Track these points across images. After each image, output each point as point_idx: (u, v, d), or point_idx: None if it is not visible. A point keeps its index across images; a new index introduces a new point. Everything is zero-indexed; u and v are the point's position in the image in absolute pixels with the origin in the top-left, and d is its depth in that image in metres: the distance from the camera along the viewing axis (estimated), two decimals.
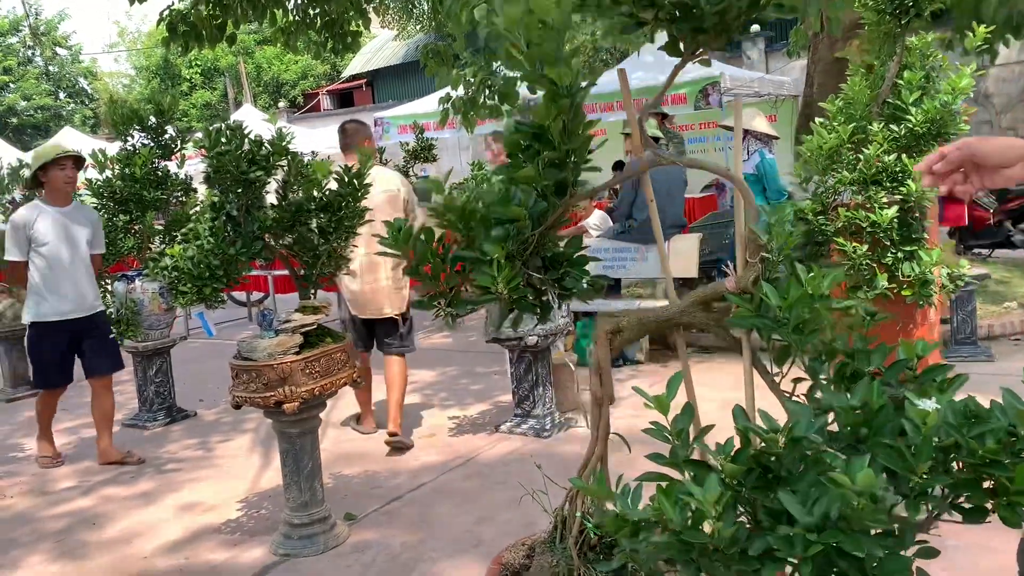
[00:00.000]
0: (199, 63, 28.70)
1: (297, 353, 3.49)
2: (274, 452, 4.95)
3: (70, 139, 19.70)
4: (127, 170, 5.60)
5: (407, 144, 9.50)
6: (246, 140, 3.25)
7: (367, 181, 3.54)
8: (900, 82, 3.08)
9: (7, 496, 4.72)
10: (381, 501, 4.17)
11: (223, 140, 3.23)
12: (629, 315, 1.56)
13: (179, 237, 3.36)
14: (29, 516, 4.40)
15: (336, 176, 3.38)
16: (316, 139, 16.09)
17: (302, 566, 3.56)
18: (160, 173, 5.74)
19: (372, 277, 4.90)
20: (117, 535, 4.06)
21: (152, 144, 5.73)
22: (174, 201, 5.93)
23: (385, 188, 4.86)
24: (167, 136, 5.79)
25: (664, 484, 1.23)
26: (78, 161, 5.02)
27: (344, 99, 27.00)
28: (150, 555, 3.80)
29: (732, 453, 1.18)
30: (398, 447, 4.85)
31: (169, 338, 5.97)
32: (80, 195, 9.87)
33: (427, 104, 13.38)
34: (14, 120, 30.90)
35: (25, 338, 5.26)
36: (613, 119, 12.24)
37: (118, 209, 5.70)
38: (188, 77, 29.10)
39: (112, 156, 5.69)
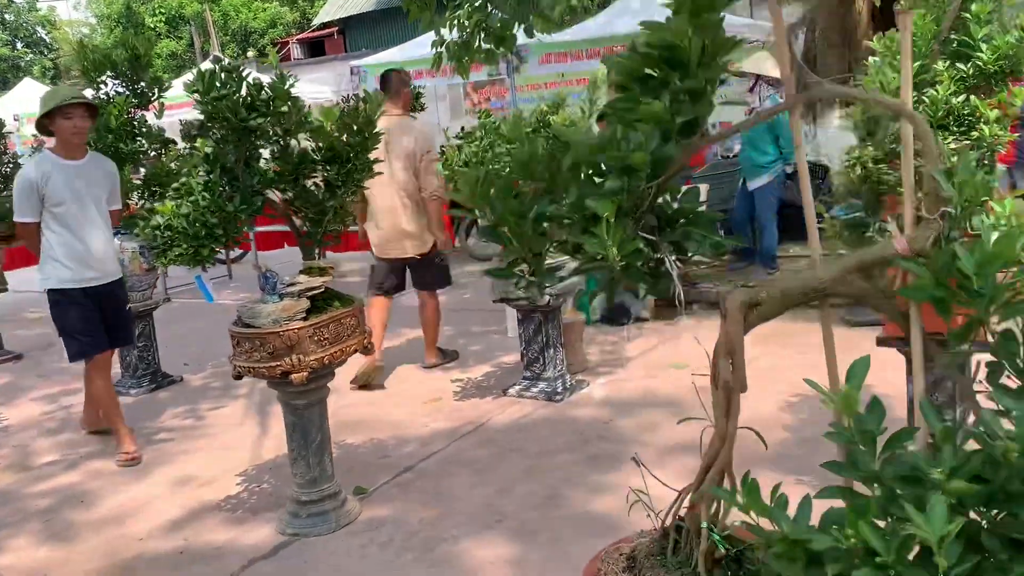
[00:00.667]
0: (163, 11, 27.68)
1: (304, 319, 3.21)
2: (271, 419, 4.69)
3: (30, 91, 18.92)
4: (100, 121, 5.19)
5: None
6: (244, 84, 2.92)
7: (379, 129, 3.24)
8: (967, 15, 2.83)
9: None
10: (392, 472, 3.93)
11: (218, 84, 2.90)
12: (768, 286, 1.30)
13: (170, 193, 3.03)
14: (12, 494, 4.11)
15: (345, 124, 3.06)
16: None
17: (314, 546, 3.32)
18: (137, 124, 5.35)
19: (392, 221, 5.17)
20: (108, 514, 3.79)
21: (127, 92, 5.33)
22: (152, 154, 5.55)
23: (406, 136, 5.08)
24: (143, 84, 5.38)
25: (849, 501, 0.98)
26: (90, 109, 4.35)
27: (315, 48, 26.20)
28: (146, 537, 3.54)
29: (955, 465, 0.93)
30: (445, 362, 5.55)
31: (152, 300, 5.63)
32: (40, 150, 9.41)
33: (410, 51, 12.91)
34: None
35: (49, 307, 4.47)
36: (600, 66, 11.82)
37: None
38: (152, 26, 28.05)
39: None
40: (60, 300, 4.34)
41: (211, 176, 3.02)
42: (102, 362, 4.51)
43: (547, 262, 1.40)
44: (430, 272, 5.37)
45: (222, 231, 2.99)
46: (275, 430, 4.49)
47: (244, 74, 2.92)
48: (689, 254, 1.25)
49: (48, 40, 33.50)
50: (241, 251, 9.23)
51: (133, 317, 4.84)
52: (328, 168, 3.12)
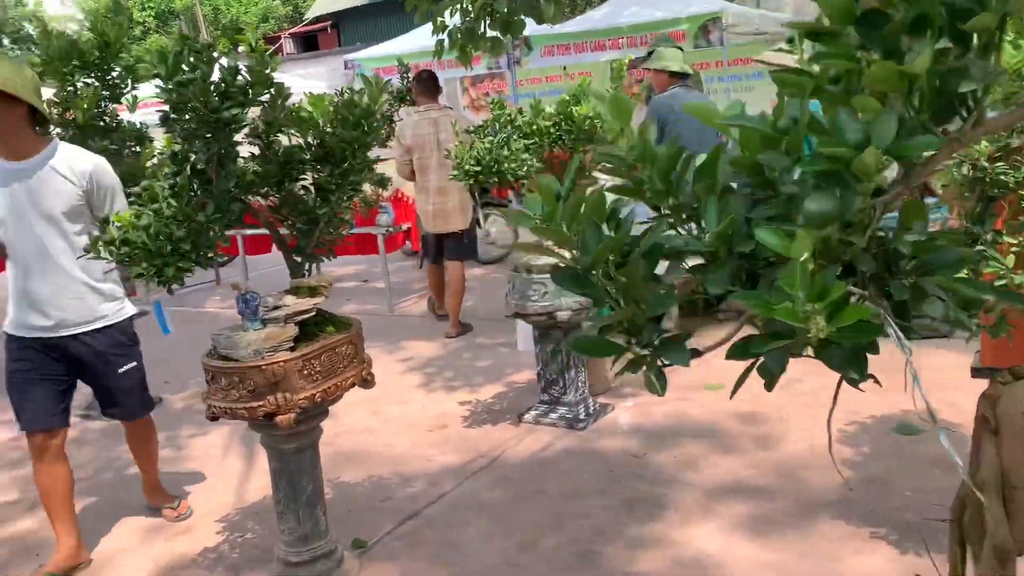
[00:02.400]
0: (152, 5, 27.07)
1: (292, 349, 2.68)
2: (258, 451, 4.16)
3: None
4: (67, 116, 4.67)
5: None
6: (216, 66, 2.39)
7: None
8: None
9: None
10: (395, 519, 3.41)
11: (185, 67, 2.37)
12: None
13: (131, 199, 2.50)
14: None
15: (339, 115, 2.52)
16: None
17: None
18: (108, 119, 4.82)
19: (442, 199, 5.98)
20: None
21: (96, 84, 4.79)
22: (127, 153, 5.01)
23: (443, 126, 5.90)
24: (115, 74, 4.85)
25: None
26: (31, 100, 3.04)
27: (308, 42, 25.65)
28: None
29: None
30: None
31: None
32: None
33: (407, 42, 12.42)
34: None
35: None
36: (604, 58, 11.40)
37: None
38: (141, 20, 27.42)
39: (48, 99, 4.73)
40: (8, 347, 3.25)
41: (178, 179, 2.49)
42: (43, 446, 3.22)
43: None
44: (463, 244, 6.21)
45: (190, 246, 2.46)
46: (262, 464, 3.97)
47: (216, 56, 2.39)
48: (924, 317, 0.74)
49: (35, 36, 32.80)
50: (228, 256, 8.68)
51: (136, 383, 3.47)
52: (320, 169, 2.60)
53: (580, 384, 4.24)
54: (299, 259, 2.84)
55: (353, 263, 9.16)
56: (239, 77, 2.43)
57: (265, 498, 3.63)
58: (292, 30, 25.85)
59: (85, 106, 4.65)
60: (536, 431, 4.16)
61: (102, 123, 4.80)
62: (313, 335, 2.79)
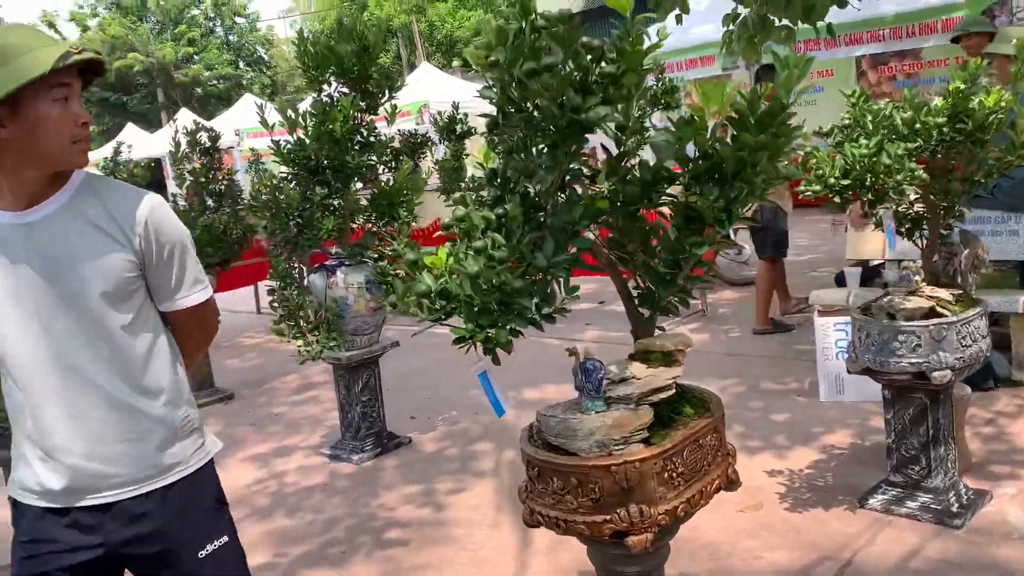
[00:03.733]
0: (374, 24, 28.05)
1: (646, 441, 1.93)
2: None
3: (250, 106, 19.40)
4: (324, 128, 4.24)
5: None
6: (573, 51, 1.68)
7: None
8: None
9: None
10: None
11: (526, 51, 1.67)
12: None
13: (456, 230, 1.84)
14: None
15: (741, 115, 1.74)
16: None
17: None
18: (366, 132, 4.36)
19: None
20: None
21: (354, 94, 4.34)
22: (382, 170, 4.55)
23: None
24: (372, 82, 4.38)
25: None
26: (92, 69, 1.75)
27: None
28: None
29: None
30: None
31: (378, 344, 4.63)
32: (258, 164, 8.83)
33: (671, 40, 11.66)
34: (199, 90, 31.57)
35: None
36: (858, 53, 10.04)
37: (313, 180, 4.37)
38: None
39: (305, 111, 4.34)
40: (15, 521, 1.88)
41: (507, 207, 1.80)
42: None
43: None
44: (765, 241, 6.13)
45: (527, 299, 1.76)
46: (542, 541, 3.29)
47: (573, 35, 1.68)
48: None
49: (267, 58, 35.15)
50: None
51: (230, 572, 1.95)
52: (697, 189, 1.82)
53: (950, 465, 3.23)
54: (648, 312, 2.09)
55: (591, 282, 8.47)
56: (603, 61, 1.70)
57: None
58: None
59: (342, 117, 4.21)
60: (890, 525, 3.19)
61: (360, 136, 4.35)
62: (667, 419, 2.03)
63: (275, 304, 4.33)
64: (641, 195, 1.86)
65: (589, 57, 1.69)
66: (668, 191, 1.87)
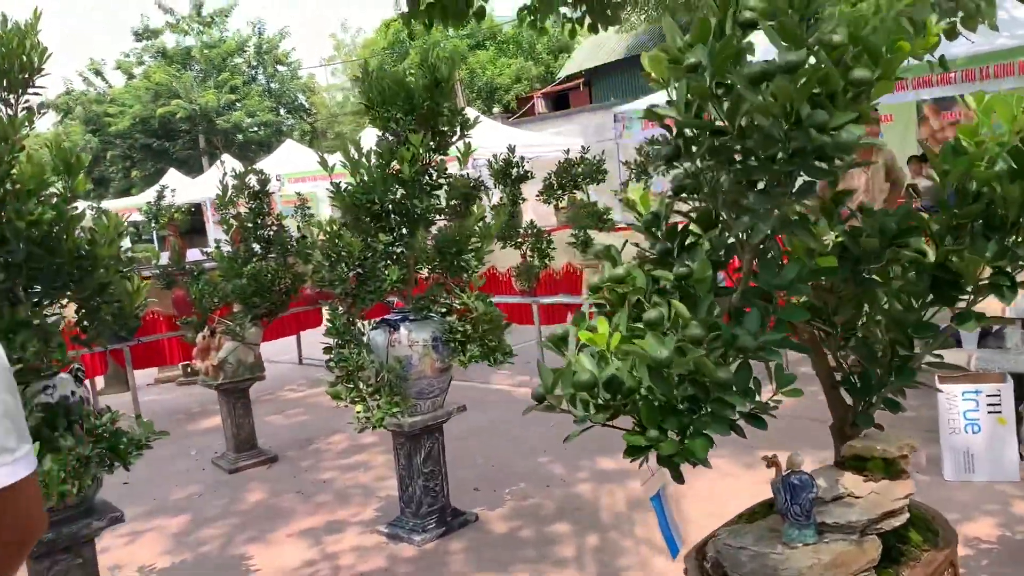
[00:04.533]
0: (413, 72, 28.09)
1: None
2: None
3: (292, 151, 19.28)
4: (390, 169, 3.82)
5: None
6: (825, 47, 1.20)
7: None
8: None
9: None
10: None
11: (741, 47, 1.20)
12: None
13: (607, 294, 1.37)
14: None
15: None
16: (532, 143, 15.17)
17: None
18: (435, 173, 3.93)
19: None
20: None
21: (423, 131, 3.92)
22: (448, 211, 4.11)
23: None
24: (443, 119, 3.96)
25: None
26: None
27: (559, 101, 25.41)
28: None
29: None
30: None
31: (443, 409, 4.14)
32: (305, 210, 8.46)
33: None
34: (240, 137, 31.76)
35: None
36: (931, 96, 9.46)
37: (376, 226, 3.93)
38: None
39: (369, 150, 3.92)
40: None
41: (688, 265, 1.32)
42: None
43: None
44: None
45: (730, 394, 1.26)
46: None
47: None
48: None
49: (307, 105, 35.39)
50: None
51: None
52: (971, 239, 1.33)
53: None
54: (863, 401, 1.58)
55: None
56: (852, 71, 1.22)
57: None
58: (544, 90, 25.72)
59: (410, 157, 3.78)
60: None
61: (428, 178, 3.91)
62: (894, 551, 1.51)
63: (332, 364, 3.87)
64: (880, 250, 1.36)
65: (831, 58, 1.21)
66: (914, 245, 1.37)
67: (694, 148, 1.29)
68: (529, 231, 7.03)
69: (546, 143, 15.87)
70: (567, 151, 7.35)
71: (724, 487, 4.17)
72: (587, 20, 7.70)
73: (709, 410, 1.25)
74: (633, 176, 6.80)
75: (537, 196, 7.46)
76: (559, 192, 7.35)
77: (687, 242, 1.45)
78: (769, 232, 1.24)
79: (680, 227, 1.48)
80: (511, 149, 7.41)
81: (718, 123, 1.28)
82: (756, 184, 1.27)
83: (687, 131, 1.31)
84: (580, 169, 7.12)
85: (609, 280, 1.39)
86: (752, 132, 1.22)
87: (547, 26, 7.84)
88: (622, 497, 4.32)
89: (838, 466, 1.56)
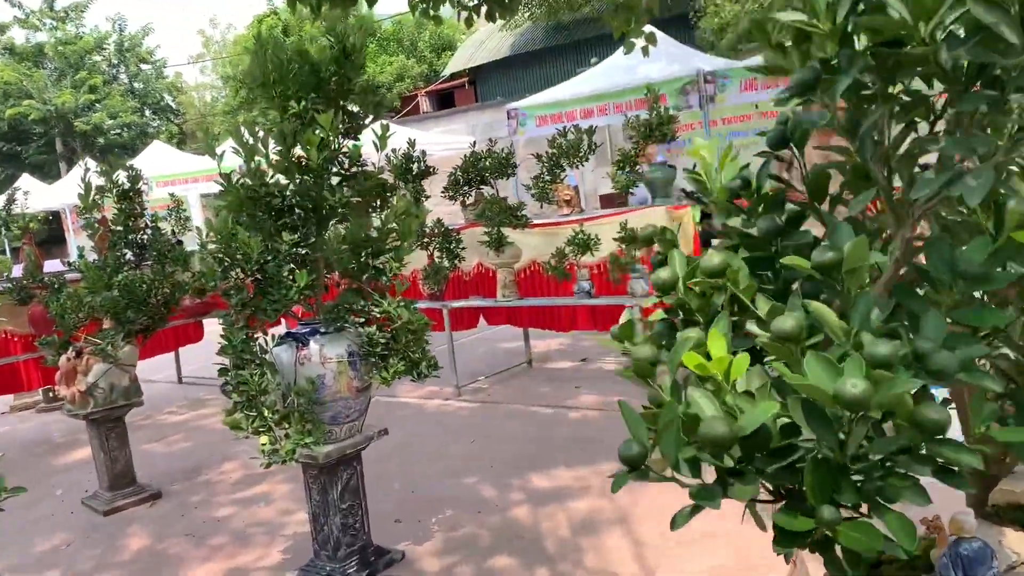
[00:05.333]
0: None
1: None
2: None
3: (159, 153, 17.99)
4: (293, 156, 3.24)
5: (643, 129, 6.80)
6: None
7: None
8: None
9: None
10: None
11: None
12: None
13: (687, 299, 0.90)
14: None
15: None
16: (423, 141, 14.65)
17: None
18: (349, 160, 3.38)
19: None
20: None
21: (333, 112, 3.35)
22: (368, 207, 3.56)
23: None
24: (355, 97, 3.41)
25: None
26: None
27: (444, 100, 24.91)
28: None
29: None
30: None
31: (362, 434, 3.58)
32: (180, 212, 7.62)
33: (569, 89, 11.33)
34: (101, 139, 29.69)
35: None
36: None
37: (276, 223, 3.34)
38: None
39: (265, 132, 3.32)
40: None
41: (839, 249, 0.87)
42: None
43: None
44: None
45: (940, 444, 0.82)
46: None
47: None
48: None
49: (175, 106, 33.48)
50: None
51: None
52: None
53: None
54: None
55: (554, 337, 7.59)
56: None
57: None
58: (428, 88, 25.12)
59: (317, 142, 3.21)
60: None
61: (339, 167, 3.36)
62: None
63: (229, 389, 3.26)
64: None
65: None
66: None
67: (846, 68, 0.85)
68: (436, 230, 6.52)
69: (436, 141, 15.38)
70: (474, 143, 6.88)
71: None
72: (483, 8, 7.25)
73: (901, 470, 0.81)
74: (545, 169, 6.38)
75: (442, 193, 6.96)
76: (465, 188, 6.87)
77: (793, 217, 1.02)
78: (986, 193, 0.82)
79: (777, 196, 1.03)
80: (411, 143, 6.87)
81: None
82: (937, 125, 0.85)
83: (829, 48, 0.87)
84: (487, 163, 6.66)
85: (704, 272, 0.93)
86: (955, 41, 0.79)
87: (440, 15, 7.36)
88: (564, 520, 3.87)
89: (984, 516, 1.16)
